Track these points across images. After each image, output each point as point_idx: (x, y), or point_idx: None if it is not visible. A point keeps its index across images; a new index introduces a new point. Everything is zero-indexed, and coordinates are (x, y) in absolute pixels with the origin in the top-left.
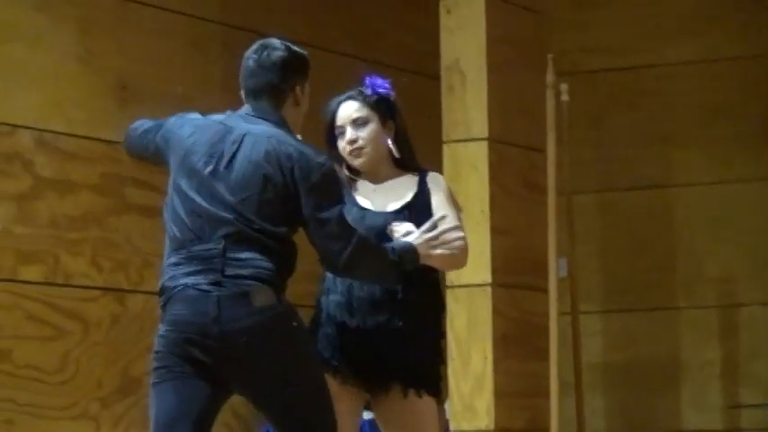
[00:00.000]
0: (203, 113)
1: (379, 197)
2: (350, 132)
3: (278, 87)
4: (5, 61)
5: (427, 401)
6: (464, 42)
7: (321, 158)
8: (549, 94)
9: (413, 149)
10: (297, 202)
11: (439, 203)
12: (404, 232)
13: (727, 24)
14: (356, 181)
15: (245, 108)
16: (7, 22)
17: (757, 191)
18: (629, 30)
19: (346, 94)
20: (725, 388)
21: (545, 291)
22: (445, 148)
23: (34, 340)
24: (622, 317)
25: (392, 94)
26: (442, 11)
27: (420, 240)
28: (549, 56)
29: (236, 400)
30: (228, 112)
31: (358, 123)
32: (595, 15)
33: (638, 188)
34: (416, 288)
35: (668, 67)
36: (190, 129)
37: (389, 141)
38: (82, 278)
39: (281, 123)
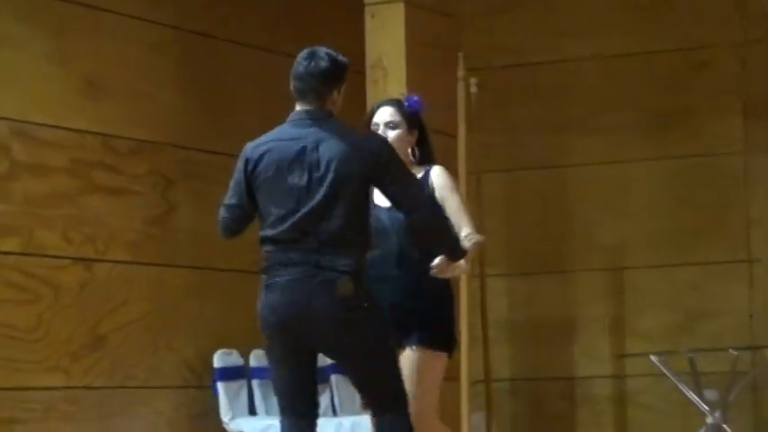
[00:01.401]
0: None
1: None
2: (382, 131)
3: (320, 90)
4: None
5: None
6: (386, 42)
7: (379, 138)
8: (460, 86)
9: (432, 154)
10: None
11: (446, 195)
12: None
13: (621, 24)
14: None
15: (292, 114)
16: None
17: (643, 170)
18: (532, 31)
19: (388, 99)
20: (613, 340)
21: None
22: None
23: (11, 303)
24: (524, 279)
25: (421, 110)
26: (367, 16)
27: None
28: (460, 54)
29: (189, 355)
30: (283, 126)
31: (389, 126)
32: (503, 19)
33: (539, 168)
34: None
35: (567, 63)
36: (260, 152)
37: (410, 145)
38: (54, 249)
39: (325, 115)
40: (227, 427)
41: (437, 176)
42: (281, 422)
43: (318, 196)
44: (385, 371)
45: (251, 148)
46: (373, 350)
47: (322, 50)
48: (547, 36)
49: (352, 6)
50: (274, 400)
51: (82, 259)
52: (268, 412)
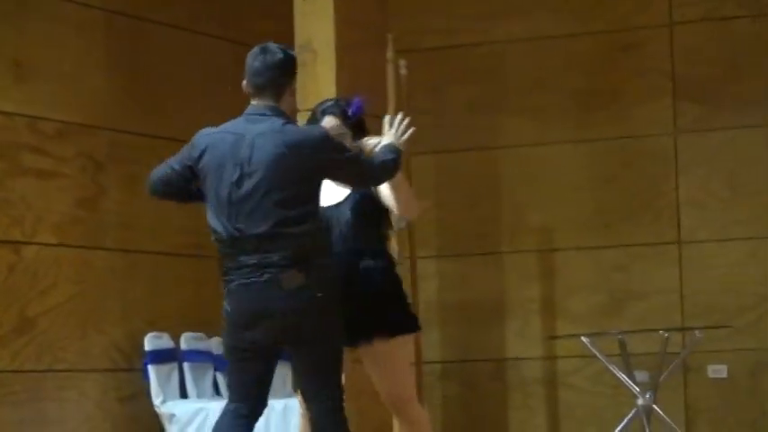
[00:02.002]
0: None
1: (332, 190)
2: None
3: (278, 82)
4: None
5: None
6: (316, 25)
7: (318, 130)
8: (390, 68)
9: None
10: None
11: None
12: (374, 143)
13: (549, 6)
14: None
15: (250, 107)
16: None
17: (571, 151)
18: (461, 12)
19: (331, 105)
20: (543, 322)
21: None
22: (299, 116)
23: None
24: (455, 261)
25: (361, 110)
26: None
27: (389, 138)
28: (389, 35)
29: (118, 337)
30: (235, 120)
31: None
32: (432, 0)
33: (469, 150)
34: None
35: (496, 45)
36: (204, 144)
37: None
38: None
39: (281, 113)
40: (158, 410)
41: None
42: (225, 410)
43: (250, 194)
44: (331, 361)
45: (201, 136)
46: (325, 338)
47: (272, 45)
48: (476, 18)
49: None
50: (206, 383)
51: (9, 242)
52: (200, 395)
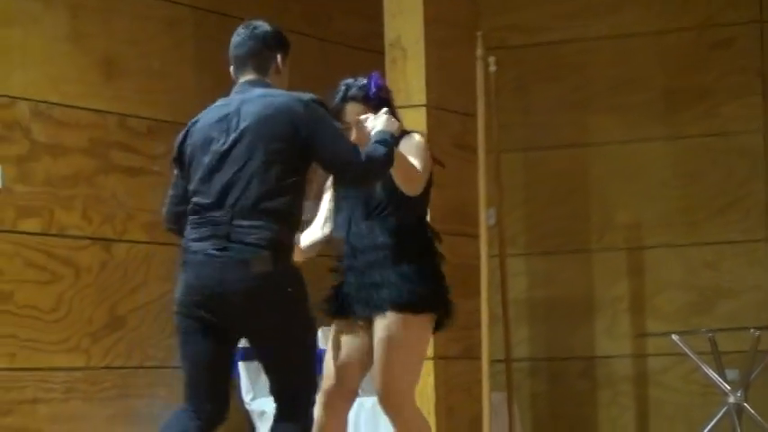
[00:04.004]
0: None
1: None
2: (354, 135)
3: (261, 54)
4: (4, 43)
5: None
6: (404, 23)
7: (309, 96)
8: (479, 66)
9: (399, 122)
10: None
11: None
12: (370, 124)
13: (638, 2)
14: None
15: (237, 84)
16: (5, 9)
17: (661, 149)
18: (549, 10)
19: (354, 94)
20: (632, 319)
21: (476, 237)
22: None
23: (32, 284)
24: (544, 258)
25: (386, 88)
26: None
27: (383, 122)
28: (478, 33)
29: None
30: (224, 99)
31: (361, 125)
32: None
33: (557, 147)
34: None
35: (585, 42)
36: (186, 129)
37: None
38: (74, 229)
39: (268, 85)
40: (248, 407)
41: (406, 140)
42: (179, 413)
43: (233, 162)
44: (300, 367)
45: (191, 122)
46: (293, 342)
47: (258, 22)
48: (563, 15)
49: None
50: None
51: (100, 239)
52: None
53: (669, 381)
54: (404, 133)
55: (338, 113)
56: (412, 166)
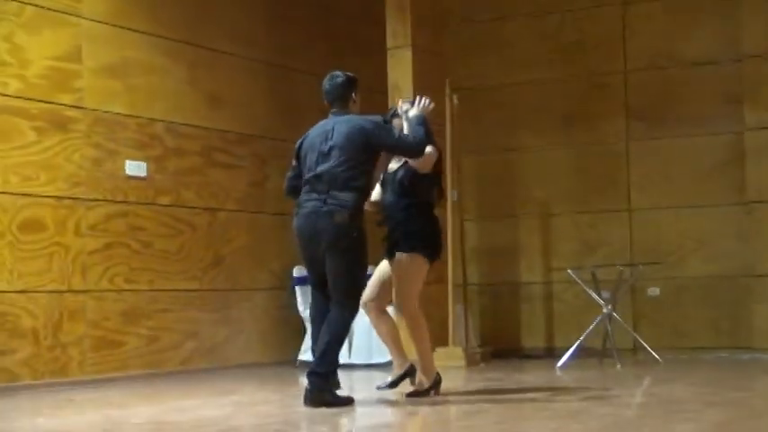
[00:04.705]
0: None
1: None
2: (401, 125)
3: (343, 95)
4: (148, 84)
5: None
6: (401, 73)
7: (376, 118)
8: (447, 100)
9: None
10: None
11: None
12: (406, 108)
13: (549, 60)
14: None
15: (331, 113)
16: (150, 63)
17: (561, 151)
18: (493, 64)
19: (393, 113)
20: (543, 260)
21: (446, 208)
22: None
23: (166, 237)
24: (487, 221)
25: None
26: (389, 56)
27: (418, 111)
28: (447, 79)
29: (276, 269)
30: (325, 120)
31: (402, 110)
32: (474, 56)
33: (497, 151)
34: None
35: (514, 86)
36: (303, 137)
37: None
38: (191, 202)
39: (348, 112)
40: (301, 315)
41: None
42: (312, 293)
43: (330, 155)
44: (351, 278)
45: (306, 134)
46: (350, 264)
47: (337, 72)
48: (501, 68)
49: (378, 50)
50: None
51: (209, 208)
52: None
53: (566, 298)
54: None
55: (389, 122)
56: (430, 153)
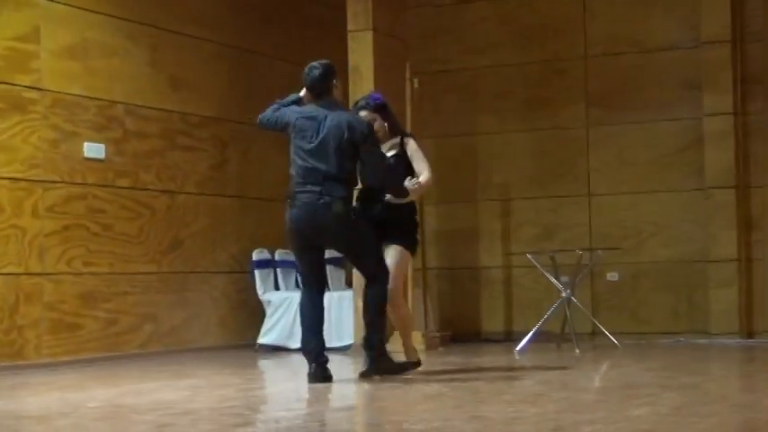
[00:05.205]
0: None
1: (384, 148)
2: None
3: (324, 84)
4: (109, 67)
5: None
6: (362, 56)
7: (365, 122)
8: (408, 84)
9: (398, 124)
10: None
11: (413, 154)
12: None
13: (510, 44)
14: None
15: (320, 103)
16: (111, 45)
17: (522, 137)
18: (452, 48)
19: (362, 105)
20: (503, 244)
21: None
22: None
23: (125, 219)
24: (448, 205)
25: (382, 100)
26: (350, 39)
27: (410, 185)
28: (407, 63)
29: (235, 252)
30: (311, 106)
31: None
32: (434, 40)
33: (456, 135)
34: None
35: (474, 70)
36: (296, 115)
37: (385, 125)
38: (151, 185)
39: (336, 103)
40: (261, 298)
41: (408, 145)
42: (302, 292)
43: (321, 149)
44: (368, 257)
45: (294, 111)
46: (360, 243)
47: (316, 62)
48: (461, 52)
49: (340, 33)
50: (291, 281)
51: (168, 191)
52: (287, 288)
53: (525, 283)
54: (404, 134)
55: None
56: (429, 179)
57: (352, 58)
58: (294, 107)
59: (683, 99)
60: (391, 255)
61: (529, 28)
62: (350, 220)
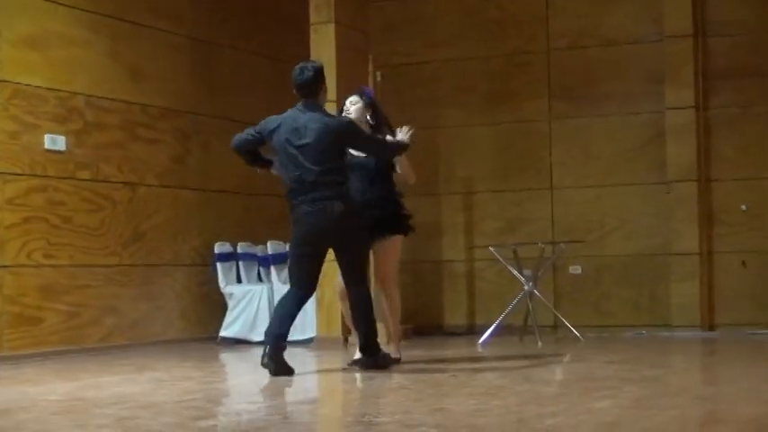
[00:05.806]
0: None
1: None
2: (348, 106)
3: (312, 86)
4: (69, 57)
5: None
6: (324, 49)
7: (345, 120)
8: (371, 77)
9: (384, 118)
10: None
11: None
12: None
13: (472, 37)
14: None
15: (301, 103)
16: (70, 35)
17: (485, 130)
18: (415, 41)
19: (356, 94)
20: (465, 237)
21: None
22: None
23: (85, 212)
24: (411, 199)
25: (372, 94)
26: (312, 32)
27: (401, 136)
28: (370, 56)
29: (197, 245)
30: (292, 110)
31: (353, 103)
32: (397, 33)
33: (420, 128)
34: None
35: (437, 63)
36: (276, 123)
37: (368, 116)
38: (112, 177)
39: (319, 108)
40: (222, 291)
41: (398, 134)
42: (288, 290)
43: (307, 156)
44: (363, 256)
45: (271, 120)
46: (360, 244)
47: (308, 64)
48: (424, 45)
49: (302, 25)
50: (253, 274)
51: (129, 183)
52: (249, 281)
53: (488, 276)
54: (392, 130)
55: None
56: (410, 166)
57: (315, 51)
58: (273, 116)
59: (647, 93)
60: (392, 244)
61: (492, 21)
62: (353, 217)
